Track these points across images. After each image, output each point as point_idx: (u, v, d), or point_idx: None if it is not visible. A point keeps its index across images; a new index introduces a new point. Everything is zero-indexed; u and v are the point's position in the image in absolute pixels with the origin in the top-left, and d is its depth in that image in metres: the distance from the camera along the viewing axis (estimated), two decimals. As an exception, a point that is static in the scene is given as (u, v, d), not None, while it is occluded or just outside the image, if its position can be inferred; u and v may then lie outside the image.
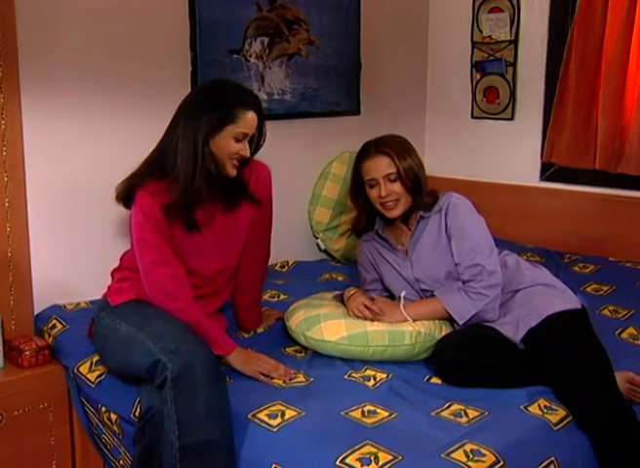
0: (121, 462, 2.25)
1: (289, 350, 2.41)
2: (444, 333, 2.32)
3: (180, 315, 2.15)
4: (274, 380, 2.16)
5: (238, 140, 2.18)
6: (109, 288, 2.33)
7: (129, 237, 2.36)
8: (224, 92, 2.21)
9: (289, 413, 1.96)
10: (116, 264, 2.38)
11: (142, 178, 2.20)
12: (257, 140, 2.29)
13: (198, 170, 2.14)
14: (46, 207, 2.58)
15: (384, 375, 2.21)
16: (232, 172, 2.22)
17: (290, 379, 2.17)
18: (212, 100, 2.18)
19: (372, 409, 2.00)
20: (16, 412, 2.36)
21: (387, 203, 2.36)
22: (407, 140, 2.45)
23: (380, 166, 2.36)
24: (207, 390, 1.93)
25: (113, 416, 2.22)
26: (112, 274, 2.38)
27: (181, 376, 1.92)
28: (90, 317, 2.37)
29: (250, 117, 2.19)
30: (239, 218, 2.34)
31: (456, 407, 2.01)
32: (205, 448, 1.89)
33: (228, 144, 2.17)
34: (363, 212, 2.50)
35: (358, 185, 2.44)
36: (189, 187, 2.14)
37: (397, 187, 2.35)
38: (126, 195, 2.23)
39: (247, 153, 2.22)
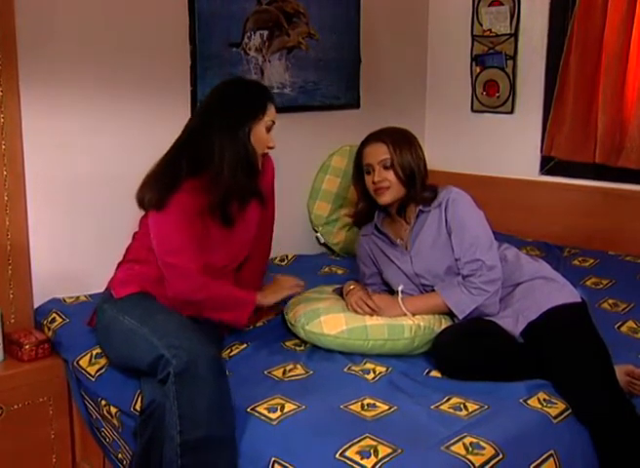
0: (120, 455, 2.26)
1: (288, 344, 2.41)
2: (443, 327, 2.32)
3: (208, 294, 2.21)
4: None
5: (267, 131, 2.28)
6: (113, 279, 2.32)
7: (128, 230, 2.36)
8: (248, 87, 2.34)
9: (288, 407, 1.96)
10: (116, 257, 2.37)
11: (176, 180, 2.18)
12: None
13: (240, 164, 2.20)
14: (45, 200, 2.58)
15: (384, 369, 2.21)
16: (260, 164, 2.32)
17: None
18: (241, 95, 2.27)
19: (371, 402, 2.00)
20: (15, 406, 2.36)
21: (379, 189, 2.38)
22: (411, 134, 2.47)
23: (376, 152, 2.39)
24: (210, 386, 1.92)
25: (113, 410, 2.22)
26: (117, 267, 2.37)
27: (185, 372, 1.92)
28: (90, 310, 2.37)
29: (274, 108, 2.31)
30: (250, 211, 2.35)
31: (455, 400, 2.01)
32: (206, 444, 1.89)
33: (264, 135, 2.27)
34: (362, 199, 2.52)
35: (359, 171, 2.47)
36: (233, 182, 2.19)
37: (390, 175, 2.37)
38: (160, 200, 2.17)
39: (274, 144, 2.31)
